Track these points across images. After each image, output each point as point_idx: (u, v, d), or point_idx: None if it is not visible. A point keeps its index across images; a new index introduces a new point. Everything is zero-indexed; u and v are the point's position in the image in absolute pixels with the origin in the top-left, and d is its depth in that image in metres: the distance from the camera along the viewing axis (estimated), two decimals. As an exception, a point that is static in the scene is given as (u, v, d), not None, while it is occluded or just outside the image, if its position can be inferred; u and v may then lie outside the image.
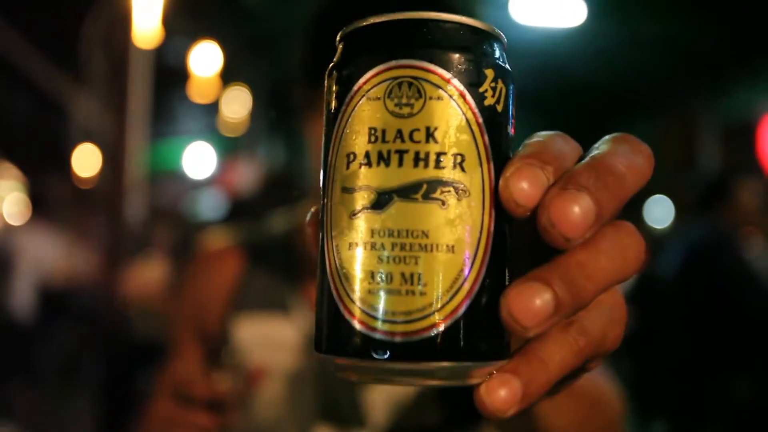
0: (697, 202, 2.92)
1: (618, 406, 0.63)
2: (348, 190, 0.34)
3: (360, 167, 0.34)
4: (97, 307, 4.26)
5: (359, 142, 0.34)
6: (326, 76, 0.37)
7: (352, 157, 0.34)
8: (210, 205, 7.04)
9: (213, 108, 7.60)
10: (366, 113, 0.34)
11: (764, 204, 2.89)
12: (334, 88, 0.36)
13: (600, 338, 0.35)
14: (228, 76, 6.76)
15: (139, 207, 4.33)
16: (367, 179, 0.34)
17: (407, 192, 0.33)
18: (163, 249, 4.38)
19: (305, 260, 0.88)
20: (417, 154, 0.33)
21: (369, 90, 0.34)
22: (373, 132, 0.34)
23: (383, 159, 0.33)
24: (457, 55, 0.34)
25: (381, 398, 0.77)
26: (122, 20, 4.16)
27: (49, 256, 4.91)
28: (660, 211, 7.15)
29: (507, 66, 0.36)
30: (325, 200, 0.36)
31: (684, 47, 5.64)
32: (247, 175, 7.42)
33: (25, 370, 4.65)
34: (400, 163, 0.33)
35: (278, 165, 7.70)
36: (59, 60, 5.51)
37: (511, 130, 0.36)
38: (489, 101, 0.34)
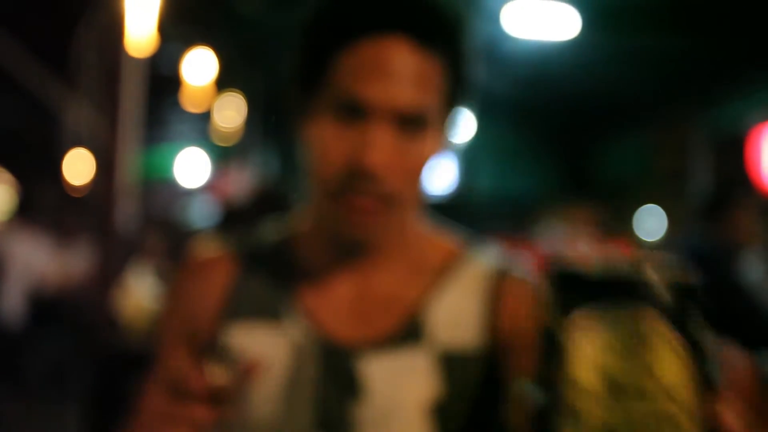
0: (695, 213, 2.91)
1: None
2: None
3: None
4: (88, 315, 4.22)
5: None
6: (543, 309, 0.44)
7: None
8: (202, 213, 7.02)
9: (206, 115, 7.60)
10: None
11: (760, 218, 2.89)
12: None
13: None
14: (222, 84, 6.75)
15: (130, 214, 4.30)
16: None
17: None
18: (154, 257, 4.35)
19: (297, 269, 0.87)
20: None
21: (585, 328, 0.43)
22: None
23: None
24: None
25: (370, 413, 0.77)
26: (115, 27, 4.15)
27: (39, 263, 4.88)
28: (652, 223, 7.16)
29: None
30: None
31: (676, 60, 5.69)
32: (239, 183, 7.40)
33: (12, 379, 4.60)
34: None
35: (271, 173, 7.69)
36: (52, 66, 5.49)
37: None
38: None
